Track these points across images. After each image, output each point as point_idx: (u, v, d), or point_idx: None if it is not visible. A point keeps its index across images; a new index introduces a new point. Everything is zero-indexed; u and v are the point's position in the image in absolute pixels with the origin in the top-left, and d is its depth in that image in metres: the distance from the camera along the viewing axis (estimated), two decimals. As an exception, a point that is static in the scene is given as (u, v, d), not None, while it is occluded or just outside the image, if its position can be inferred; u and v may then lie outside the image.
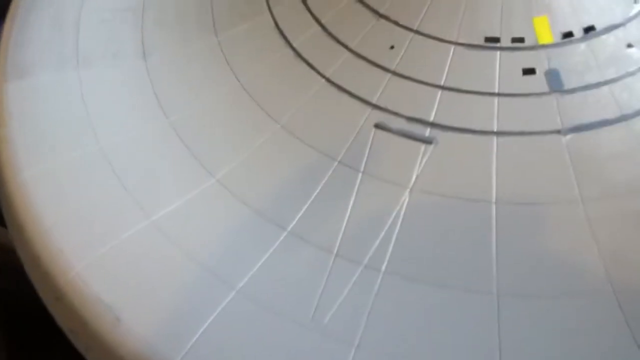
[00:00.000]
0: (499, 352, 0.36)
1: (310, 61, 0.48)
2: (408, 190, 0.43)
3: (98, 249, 0.40)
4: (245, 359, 0.36)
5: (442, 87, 0.45)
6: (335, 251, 0.41)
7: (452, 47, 0.45)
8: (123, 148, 0.46)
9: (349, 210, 0.42)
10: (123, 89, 0.50)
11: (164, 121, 0.48)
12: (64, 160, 0.45)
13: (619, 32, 0.45)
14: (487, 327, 0.37)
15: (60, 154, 0.46)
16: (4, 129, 0.47)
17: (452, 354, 0.36)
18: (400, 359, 0.36)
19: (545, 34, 0.45)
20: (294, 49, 0.49)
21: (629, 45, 0.45)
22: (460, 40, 0.45)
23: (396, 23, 0.47)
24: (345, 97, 0.46)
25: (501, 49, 0.45)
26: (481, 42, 0.45)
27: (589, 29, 0.45)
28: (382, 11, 0.48)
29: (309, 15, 0.50)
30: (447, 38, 0.46)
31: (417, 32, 0.46)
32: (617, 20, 0.45)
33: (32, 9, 0.55)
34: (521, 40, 0.45)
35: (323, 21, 0.49)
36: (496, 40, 0.45)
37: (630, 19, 0.45)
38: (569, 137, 0.43)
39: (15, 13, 0.55)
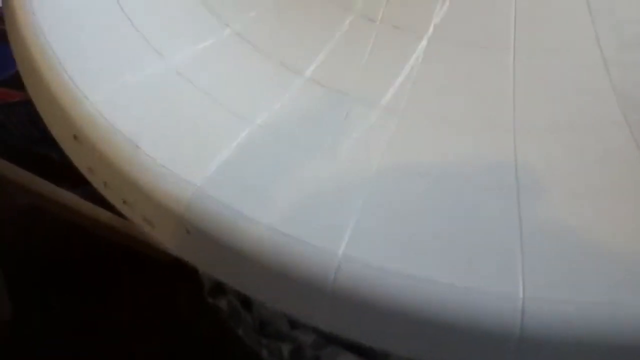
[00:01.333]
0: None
1: None
2: (425, 39, 0.43)
3: (114, 83, 0.40)
4: (264, 182, 0.36)
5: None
6: (351, 94, 0.41)
7: None
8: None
9: (366, 57, 0.42)
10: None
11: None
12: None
13: None
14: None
15: None
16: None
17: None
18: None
19: None
20: None
21: None
22: None
23: None
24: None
25: None
26: None
27: None
28: None
29: None
30: None
31: None
32: None
33: None
34: None
35: None
36: None
37: None
38: (588, -14, 0.43)
39: None
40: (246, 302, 0.51)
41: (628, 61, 0.41)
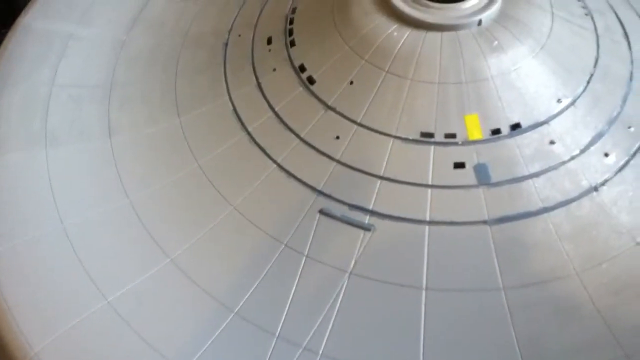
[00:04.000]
0: None
1: (264, 146, 0.52)
2: (347, 274, 0.47)
3: (56, 330, 0.44)
4: None
5: (382, 177, 0.49)
6: (277, 333, 0.44)
7: (391, 140, 0.50)
8: (84, 228, 0.49)
9: (292, 293, 0.46)
10: (88, 167, 0.54)
11: (125, 201, 0.51)
12: (28, 239, 0.49)
13: (542, 129, 0.50)
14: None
15: (24, 233, 0.49)
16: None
17: None
18: None
19: (475, 130, 0.49)
20: (249, 134, 0.53)
21: (551, 142, 0.49)
22: (399, 134, 0.50)
23: (342, 115, 0.51)
24: (294, 183, 0.50)
25: (435, 143, 0.49)
26: (417, 136, 0.49)
27: (515, 126, 0.49)
28: (330, 103, 0.52)
29: (264, 101, 0.54)
30: (387, 131, 0.50)
31: (360, 124, 0.50)
32: (541, 118, 0.50)
33: (4, 86, 0.58)
34: (453, 136, 0.49)
35: (277, 108, 0.53)
36: (431, 135, 0.49)
37: (553, 117, 0.50)
38: (494, 227, 0.47)
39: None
40: None
41: (529, 301, 0.45)
